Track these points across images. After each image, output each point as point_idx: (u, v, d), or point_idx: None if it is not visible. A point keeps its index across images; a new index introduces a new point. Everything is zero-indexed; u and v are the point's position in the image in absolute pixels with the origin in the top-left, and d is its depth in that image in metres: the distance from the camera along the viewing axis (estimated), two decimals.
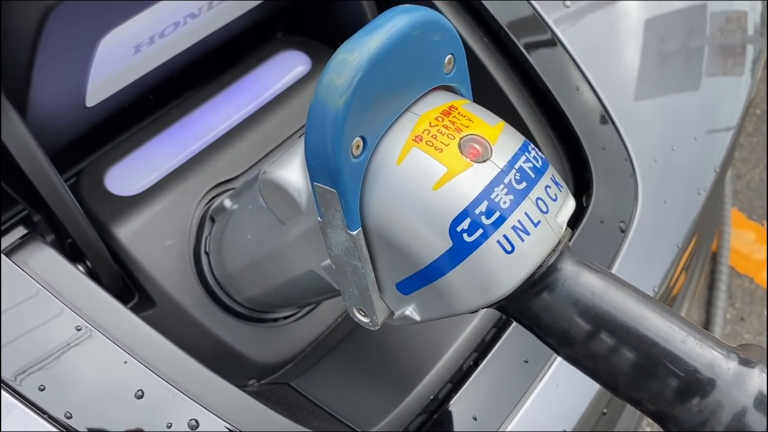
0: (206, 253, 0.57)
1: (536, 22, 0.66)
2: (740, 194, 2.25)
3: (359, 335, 0.56)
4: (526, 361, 0.53)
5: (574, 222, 0.61)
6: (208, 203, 0.59)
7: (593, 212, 0.60)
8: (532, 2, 0.67)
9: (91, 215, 0.55)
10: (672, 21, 0.76)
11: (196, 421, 0.42)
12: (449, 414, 0.49)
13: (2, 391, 0.37)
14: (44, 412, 0.39)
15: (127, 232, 0.55)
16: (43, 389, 0.39)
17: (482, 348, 0.54)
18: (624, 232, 0.61)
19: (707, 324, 1.92)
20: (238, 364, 0.56)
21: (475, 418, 0.50)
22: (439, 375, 0.52)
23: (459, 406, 0.50)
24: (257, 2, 0.63)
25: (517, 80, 0.65)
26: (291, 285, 0.49)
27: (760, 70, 0.85)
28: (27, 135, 0.48)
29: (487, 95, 0.65)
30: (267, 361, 0.57)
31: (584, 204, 0.62)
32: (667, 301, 0.73)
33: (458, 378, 0.52)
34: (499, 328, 0.54)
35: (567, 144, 0.64)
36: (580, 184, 0.64)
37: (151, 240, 0.56)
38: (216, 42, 0.62)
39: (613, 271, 0.60)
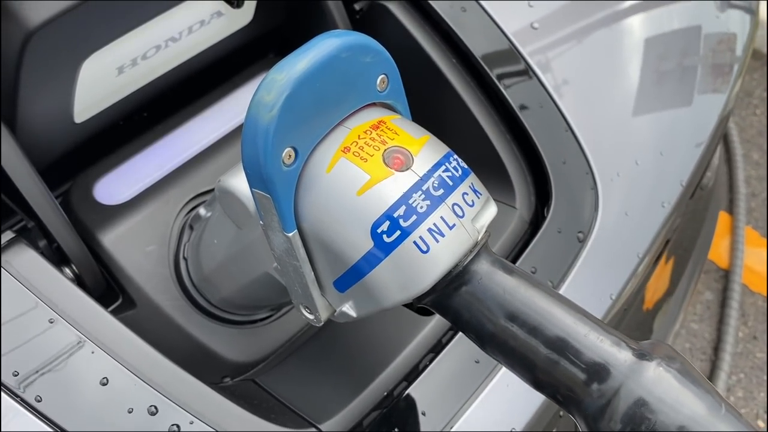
0: (184, 258, 0.61)
1: (501, 41, 0.70)
2: (755, 212, 2.24)
3: (323, 336, 0.59)
4: (477, 362, 0.56)
5: (533, 231, 0.64)
6: (188, 213, 0.63)
7: (551, 222, 0.63)
8: (501, 26, 0.71)
9: (79, 222, 0.60)
10: (646, 40, 0.79)
11: (156, 408, 0.46)
12: (399, 409, 0.53)
13: None
14: (17, 396, 0.43)
15: (112, 238, 0.60)
16: (17, 375, 0.44)
17: (438, 349, 0.57)
18: (582, 241, 0.64)
19: (718, 341, 1.91)
20: (212, 362, 0.60)
21: (424, 414, 0.53)
22: (394, 373, 0.55)
23: (409, 401, 0.53)
24: (242, 25, 0.68)
25: (483, 98, 0.69)
26: (253, 286, 0.53)
27: (736, 87, 0.87)
28: (16, 148, 0.53)
29: (454, 113, 0.69)
30: (240, 360, 0.61)
31: (545, 214, 0.65)
32: (632, 311, 0.75)
33: (413, 377, 0.55)
34: (456, 330, 0.58)
35: (530, 158, 0.68)
36: (543, 195, 0.67)
37: (134, 245, 0.60)
38: (203, 62, 0.67)
39: (570, 277, 0.62)
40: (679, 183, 0.73)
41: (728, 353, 1.87)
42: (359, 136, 0.41)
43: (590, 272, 0.64)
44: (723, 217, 2.20)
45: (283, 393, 0.55)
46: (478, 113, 0.68)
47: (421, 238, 0.39)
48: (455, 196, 0.40)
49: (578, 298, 0.47)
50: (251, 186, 0.40)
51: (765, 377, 1.91)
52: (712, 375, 1.86)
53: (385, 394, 0.54)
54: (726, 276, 2.05)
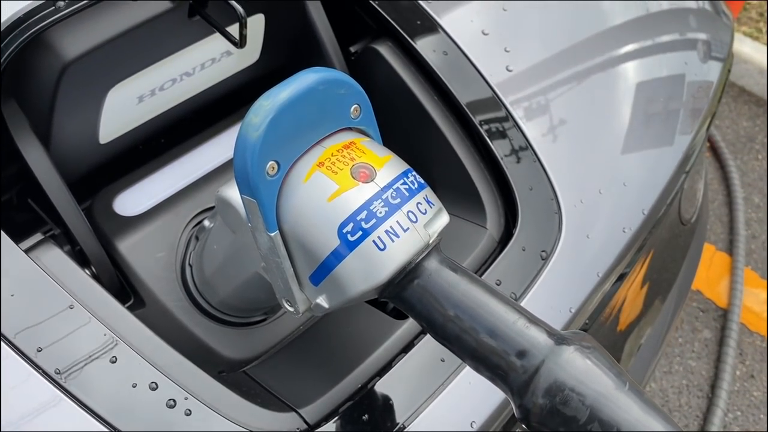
0: (190, 264, 0.70)
1: (478, 81, 0.78)
2: (755, 254, 2.29)
3: (308, 336, 0.67)
4: (442, 360, 0.63)
5: (501, 249, 0.72)
6: (194, 226, 0.72)
7: (516, 241, 0.71)
8: (479, 68, 0.79)
9: (99, 230, 0.68)
10: (637, 85, 0.88)
11: (156, 384, 0.53)
12: (370, 398, 0.60)
13: (3, 345, 0.50)
14: (39, 368, 0.51)
15: (127, 245, 0.69)
16: (40, 350, 0.52)
17: (409, 349, 0.64)
18: (545, 259, 0.71)
19: (715, 379, 1.95)
20: (210, 358, 0.68)
21: (392, 403, 0.60)
22: (368, 369, 0.62)
23: (379, 392, 0.60)
24: (250, 63, 0.77)
25: (461, 132, 0.77)
26: (245, 286, 0.61)
27: (703, 128, 0.95)
28: (49, 163, 0.62)
29: (436, 145, 0.77)
30: (234, 357, 0.68)
31: (512, 233, 0.72)
32: (606, 330, 0.82)
33: (384, 372, 0.62)
34: (425, 332, 0.65)
35: (501, 185, 0.75)
36: (512, 218, 0.74)
37: (146, 252, 0.69)
38: (213, 96, 0.76)
39: (532, 291, 0.69)
40: (641, 211, 0.80)
41: (725, 390, 1.90)
42: (332, 153, 0.49)
43: (551, 287, 0.71)
44: (722, 258, 2.25)
45: (269, 383, 0.62)
46: (456, 145, 0.77)
47: (379, 238, 0.46)
48: (410, 205, 0.48)
49: (539, 310, 0.54)
50: (241, 192, 0.48)
51: (762, 416, 1.94)
52: (708, 412, 1.89)
53: (359, 386, 0.61)
54: (725, 315, 2.09)
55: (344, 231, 0.46)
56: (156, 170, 0.74)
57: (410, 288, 0.48)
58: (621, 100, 0.87)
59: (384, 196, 0.47)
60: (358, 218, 0.46)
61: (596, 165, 0.80)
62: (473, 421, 0.62)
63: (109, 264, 0.66)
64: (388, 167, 0.49)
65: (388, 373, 0.61)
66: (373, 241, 0.46)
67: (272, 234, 0.48)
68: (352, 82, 0.50)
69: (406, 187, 0.49)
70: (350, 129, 0.52)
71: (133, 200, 0.71)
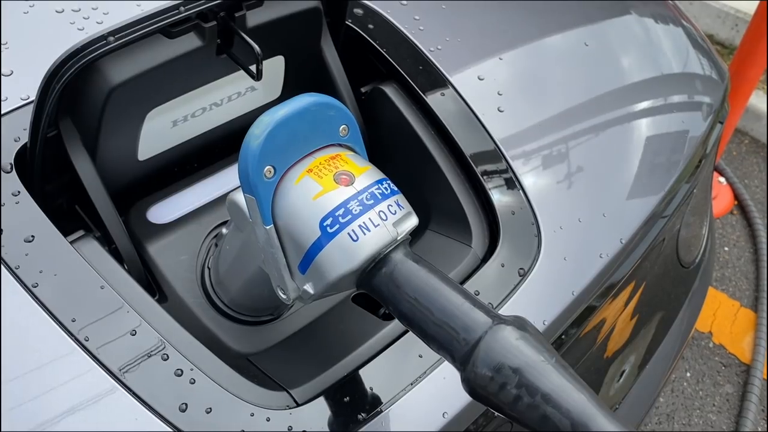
0: (208, 267, 0.80)
1: (472, 120, 0.88)
2: None
3: (304, 332, 0.76)
4: (420, 356, 0.71)
5: (481, 263, 0.80)
6: (214, 236, 0.82)
7: (496, 257, 0.79)
8: (473, 108, 0.90)
9: (133, 234, 0.79)
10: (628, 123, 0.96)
11: (167, 356, 0.63)
12: (352, 383, 0.68)
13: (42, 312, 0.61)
14: (73, 335, 0.61)
15: (155, 248, 0.79)
16: (74, 321, 0.62)
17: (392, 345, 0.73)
18: (522, 276, 0.79)
19: None
20: (220, 350, 0.77)
21: (371, 389, 0.68)
22: (354, 360, 0.70)
23: (360, 378, 0.68)
24: (272, 99, 0.89)
25: (454, 162, 0.87)
26: (250, 282, 0.70)
27: (688, 168, 1.02)
28: (95, 175, 0.73)
29: (431, 173, 0.87)
30: (242, 351, 0.77)
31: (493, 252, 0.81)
32: (591, 357, 0.88)
33: (368, 363, 0.71)
34: (405, 331, 0.73)
35: (487, 209, 0.84)
36: (496, 237, 0.83)
37: (171, 255, 0.79)
38: (238, 126, 0.87)
39: (509, 302, 0.77)
40: (619, 240, 0.88)
41: None
42: (320, 162, 0.59)
43: (527, 301, 0.78)
44: (747, 314, 2.26)
45: (267, 368, 0.71)
46: (448, 174, 0.86)
47: (353, 231, 0.56)
48: (382, 206, 0.57)
49: None
50: (243, 191, 0.58)
51: None
52: None
53: (345, 374, 0.69)
54: (747, 371, 2.08)
55: (324, 224, 0.56)
56: (185, 187, 0.85)
57: (378, 276, 0.57)
58: (607, 143, 0.96)
59: (359, 198, 0.57)
60: (337, 214, 0.56)
61: (578, 197, 0.89)
62: (445, 412, 0.69)
63: (139, 263, 0.77)
64: (366, 175, 0.59)
65: (369, 364, 0.70)
66: (348, 234, 0.56)
67: (268, 227, 0.58)
68: (340, 106, 0.60)
69: (380, 191, 0.58)
70: (340, 145, 0.62)
71: (163, 211, 0.83)
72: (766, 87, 3.00)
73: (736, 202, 2.64)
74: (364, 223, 0.56)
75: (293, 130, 0.58)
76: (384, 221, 0.57)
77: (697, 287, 1.33)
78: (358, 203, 0.57)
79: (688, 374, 2.11)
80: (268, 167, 0.57)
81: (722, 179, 2.69)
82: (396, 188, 0.60)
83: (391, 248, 0.57)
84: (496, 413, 0.52)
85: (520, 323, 0.53)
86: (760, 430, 1.98)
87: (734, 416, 2.00)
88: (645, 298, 1.07)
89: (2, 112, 0.72)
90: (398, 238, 0.58)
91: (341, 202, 0.56)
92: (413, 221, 0.60)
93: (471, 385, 0.52)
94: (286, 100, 0.58)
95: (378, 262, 0.57)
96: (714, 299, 2.30)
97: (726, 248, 2.48)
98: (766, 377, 2.08)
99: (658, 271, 1.11)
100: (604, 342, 0.99)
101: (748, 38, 2.18)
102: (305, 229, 0.57)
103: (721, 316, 2.26)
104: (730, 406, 2.03)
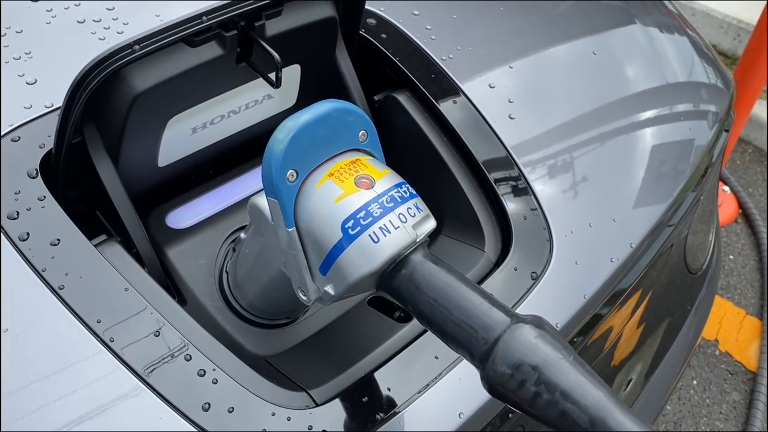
0: (226, 271, 0.81)
1: (483, 127, 0.90)
2: None
3: (323, 334, 0.77)
4: (436, 357, 0.72)
5: (494, 267, 0.81)
6: (232, 240, 0.84)
7: (509, 262, 0.81)
8: (484, 115, 0.91)
9: (153, 239, 0.81)
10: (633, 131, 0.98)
11: (190, 356, 0.64)
12: (369, 383, 0.69)
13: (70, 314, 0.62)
14: (97, 335, 0.62)
15: (175, 252, 0.81)
16: (99, 322, 0.63)
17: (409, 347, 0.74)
18: (535, 279, 0.81)
19: None
20: (239, 352, 0.78)
21: (389, 390, 0.69)
22: (371, 361, 0.72)
23: (378, 379, 0.70)
24: (288, 107, 0.91)
25: (467, 168, 0.88)
26: (270, 285, 0.72)
27: (695, 175, 1.04)
28: (117, 180, 0.75)
29: (444, 180, 0.89)
30: (258, 353, 0.79)
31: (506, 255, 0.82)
32: (599, 363, 0.89)
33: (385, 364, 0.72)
34: (421, 333, 0.74)
35: (499, 215, 0.86)
36: (509, 242, 0.84)
37: (190, 259, 0.81)
38: (255, 133, 0.89)
39: (522, 305, 0.79)
40: (629, 245, 0.89)
41: None
42: (341, 167, 0.61)
43: (540, 303, 0.80)
44: (753, 322, 2.26)
45: (286, 369, 0.73)
46: (461, 180, 0.88)
47: (374, 232, 0.57)
48: (401, 209, 0.59)
49: None
50: (267, 195, 0.60)
51: None
52: None
53: (363, 375, 0.71)
54: (754, 378, 2.09)
55: (346, 226, 0.58)
56: (203, 193, 0.87)
57: (398, 277, 0.59)
58: (616, 151, 0.98)
59: (380, 201, 0.59)
60: (358, 216, 0.58)
61: (588, 203, 0.90)
62: (461, 412, 0.71)
63: (159, 267, 0.78)
64: (386, 179, 0.60)
65: (386, 365, 0.71)
66: (369, 235, 0.57)
67: (290, 230, 0.60)
68: (360, 111, 0.62)
69: (399, 195, 0.60)
70: (359, 150, 0.64)
71: (182, 216, 0.84)
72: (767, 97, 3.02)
73: (740, 211, 2.65)
74: (384, 225, 0.58)
75: (315, 135, 0.59)
76: (404, 223, 0.59)
77: (704, 293, 1.34)
78: (378, 206, 0.58)
79: (695, 382, 2.11)
80: (290, 171, 0.59)
81: (726, 188, 2.70)
82: (414, 192, 0.62)
83: (410, 250, 0.59)
84: (515, 410, 0.53)
85: (538, 322, 0.55)
86: None
87: (741, 424, 2.00)
88: (653, 305, 1.08)
89: (28, 120, 0.74)
90: (417, 240, 0.59)
91: (362, 204, 0.58)
92: (432, 224, 0.61)
93: (490, 382, 0.53)
94: (308, 107, 0.60)
95: (398, 263, 0.58)
96: (720, 307, 2.31)
97: (731, 256, 2.49)
98: None
99: (666, 277, 1.12)
100: (612, 350, 1.00)
101: (750, 48, 2.20)
102: (327, 231, 0.58)
103: (727, 324, 2.26)
104: (737, 414, 2.03)
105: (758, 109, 2.93)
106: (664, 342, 1.19)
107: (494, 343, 0.53)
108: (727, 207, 2.63)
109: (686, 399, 2.06)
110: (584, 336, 0.85)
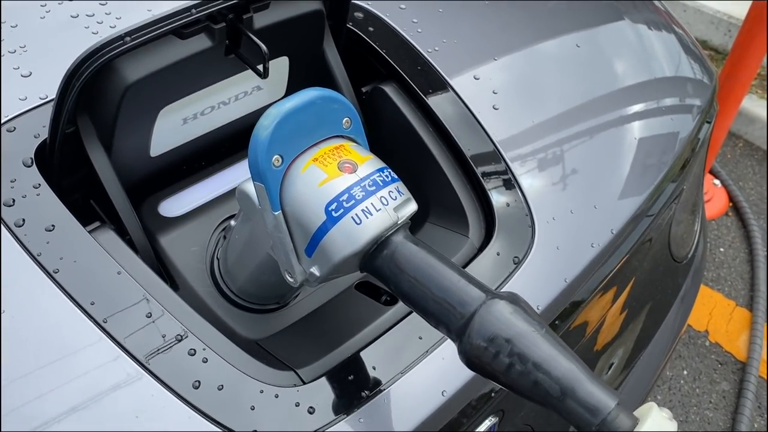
0: (217, 258, 0.84)
1: (468, 117, 0.92)
2: None
3: (311, 317, 0.80)
4: (420, 338, 0.75)
5: (478, 252, 0.84)
6: (223, 228, 0.86)
7: (492, 247, 0.83)
8: (469, 106, 0.94)
9: (146, 227, 0.83)
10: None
11: (181, 336, 0.67)
12: (355, 362, 0.72)
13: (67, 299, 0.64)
14: (89, 315, 0.65)
15: (167, 240, 0.83)
16: (93, 304, 0.66)
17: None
18: (517, 264, 0.83)
19: (732, 430, 1.97)
20: (230, 336, 0.80)
21: (374, 368, 0.72)
22: (357, 342, 0.74)
23: (364, 358, 0.72)
24: (277, 98, 0.93)
25: (451, 158, 0.91)
26: (258, 269, 0.74)
27: (676, 165, 1.06)
28: (111, 170, 0.77)
29: (429, 169, 0.91)
30: (249, 337, 0.81)
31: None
32: (581, 348, 0.92)
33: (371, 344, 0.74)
34: (406, 315, 0.77)
35: (483, 203, 0.88)
36: (492, 229, 0.86)
37: (182, 246, 0.83)
38: (244, 124, 0.92)
39: (505, 288, 0.81)
40: (610, 231, 0.91)
41: None
42: (325, 152, 0.63)
43: (522, 287, 0.82)
44: (742, 314, 2.29)
45: (274, 350, 0.75)
46: (446, 169, 0.90)
47: (356, 215, 0.60)
48: (383, 192, 0.61)
49: None
50: (253, 180, 0.62)
51: None
52: None
53: (349, 355, 0.73)
54: (743, 368, 2.12)
55: (330, 209, 0.60)
56: (195, 183, 0.89)
57: (380, 258, 0.61)
58: (597, 141, 1.00)
59: (362, 184, 0.61)
60: (341, 199, 0.60)
61: (570, 190, 0.93)
62: (444, 390, 0.73)
63: (152, 254, 0.81)
64: (368, 164, 0.63)
65: (372, 346, 0.73)
66: (352, 217, 0.60)
67: (276, 213, 0.62)
68: (343, 99, 0.65)
69: (381, 179, 0.62)
70: (342, 137, 0.66)
71: (174, 205, 0.87)
72: (766, 95, 3.04)
73: (731, 204, 2.68)
74: (366, 207, 0.60)
75: (299, 121, 0.62)
76: (385, 206, 0.61)
77: (690, 282, 1.37)
78: (361, 189, 0.61)
79: (685, 372, 2.14)
80: (276, 156, 0.61)
81: (717, 182, 2.73)
82: (396, 176, 0.64)
83: (392, 231, 0.61)
84: (494, 383, 0.56)
85: (512, 298, 0.57)
86: (756, 426, 2.01)
87: (731, 413, 2.03)
88: (637, 292, 1.11)
89: (23, 111, 0.76)
90: (399, 222, 0.62)
91: (345, 188, 0.60)
92: (413, 207, 0.64)
93: (467, 355, 0.56)
94: (293, 94, 0.62)
95: (380, 244, 0.61)
96: (710, 299, 2.34)
97: (721, 249, 2.51)
98: (761, 375, 2.11)
99: (650, 265, 1.14)
100: (594, 335, 1.03)
101: (739, 41, 2.23)
102: (311, 214, 0.61)
103: (717, 316, 2.29)
104: (726, 403, 2.06)
105: (749, 104, 2.96)
106: (648, 328, 1.21)
107: (470, 317, 0.56)
108: (717, 200, 2.66)
109: (677, 389, 2.09)
110: (566, 320, 0.88)
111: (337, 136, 0.65)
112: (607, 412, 0.51)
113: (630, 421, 0.51)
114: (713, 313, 2.29)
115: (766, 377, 2.12)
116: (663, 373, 1.97)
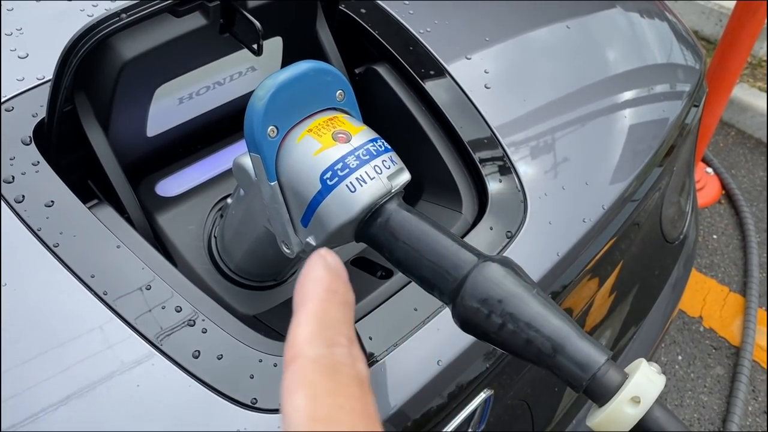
0: (214, 236, 0.85)
1: (459, 96, 0.94)
2: None
3: None
4: (415, 309, 0.76)
5: (471, 227, 0.85)
6: (220, 207, 0.87)
7: (485, 221, 0.84)
8: (461, 85, 0.95)
9: (144, 207, 0.84)
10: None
11: (180, 308, 0.68)
12: None
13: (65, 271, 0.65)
14: (90, 288, 0.66)
15: (165, 219, 0.84)
16: (93, 276, 0.67)
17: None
18: (510, 238, 0.85)
19: (727, 413, 1.99)
20: (228, 311, 0.82)
21: (370, 338, 0.73)
22: (354, 313, 0.75)
23: (360, 329, 0.73)
24: None
25: (445, 137, 0.92)
26: (255, 244, 0.75)
27: (663, 148, 1.08)
28: (108, 148, 0.79)
29: (423, 148, 0.92)
30: (246, 312, 0.82)
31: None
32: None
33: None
34: (402, 287, 0.78)
35: (476, 179, 0.90)
36: (485, 204, 0.88)
37: (179, 225, 0.84)
38: (240, 105, 0.93)
39: None
40: (601, 206, 0.93)
41: (736, 424, 1.94)
42: (319, 123, 0.64)
43: (515, 259, 0.83)
44: (736, 299, 2.31)
45: (273, 322, 0.76)
46: (439, 146, 0.91)
47: (351, 183, 0.61)
48: (377, 161, 0.63)
49: None
50: (249, 151, 0.63)
51: None
52: None
53: None
54: (737, 353, 2.14)
55: (324, 177, 0.61)
56: (192, 163, 0.90)
57: (375, 226, 0.62)
58: (591, 122, 1.02)
59: (356, 153, 0.62)
60: (335, 168, 0.61)
61: (561, 167, 0.94)
62: (439, 360, 0.74)
63: (150, 232, 0.82)
64: (362, 134, 0.64)
65: (368, 317, 0.74)
66: (346, 185, 0.61)
67: (272, 183, 0.63)
68: (336, 72, 0.66)
69: (375, 148, 0.63)
70: (336, 109, 0.67)
71: (171, 185, 0.88)
72: (767, 87, 3.06)
73: (723, 192, 2.70)
74: (360, 176, 0.61)
75: (294, 93, 0.63)
76: (379, 174, 0.62)
77: (683, 262, 1.39)
78: (355, 158, 0.62)
79: (680, 357, 2.16)
80: (271, 127, 0.62)
81: (710, 170, 2.75)
82: (389, 146, 0.65)
83: (386, 200, 0.62)
84: (486, 342, 0.57)
85: (504, 261, 0.58)
86: (750, 409, 2.03)
87: (725, 396, 2.05)
88: (628, 271, 1.12)
89: (21, 91, 0.77)
90: (392, 190, 0.63)
91: (340, 157, 0.61)
92: (406, 176, 0.65)
93: (460, 317, 0.57)
94: (287, 66, 0.63)
95: (374, 212, 0.62)
96: (704, 285, 2.36)
97: (714, 236, 2.53)
98: (755, 359, 2.13)
99: (641, 245, 1.16)
100: (587, 309, 1.04)
101: (729, 30, 2.25)
102: (307, 183, 0.62)
103: (710, 302, 2.31)
104: (721, 387, 2.08)
105: (740, 92, 2.98)
106: (641, 306, 1.23)
107: (463, 280, 0.57)
108: (710, 188, 2.68)
109: (671, 374, 2.11)
110: (558, 296, 0.89)
111: (331, 109, 0.66)
112: (597, 368, 0.52)
113: (620, 376, 0.52)
114: (707, 299, 2.31)
115: (762, 362, 2.14)
116: (658, 358, 1.99)
